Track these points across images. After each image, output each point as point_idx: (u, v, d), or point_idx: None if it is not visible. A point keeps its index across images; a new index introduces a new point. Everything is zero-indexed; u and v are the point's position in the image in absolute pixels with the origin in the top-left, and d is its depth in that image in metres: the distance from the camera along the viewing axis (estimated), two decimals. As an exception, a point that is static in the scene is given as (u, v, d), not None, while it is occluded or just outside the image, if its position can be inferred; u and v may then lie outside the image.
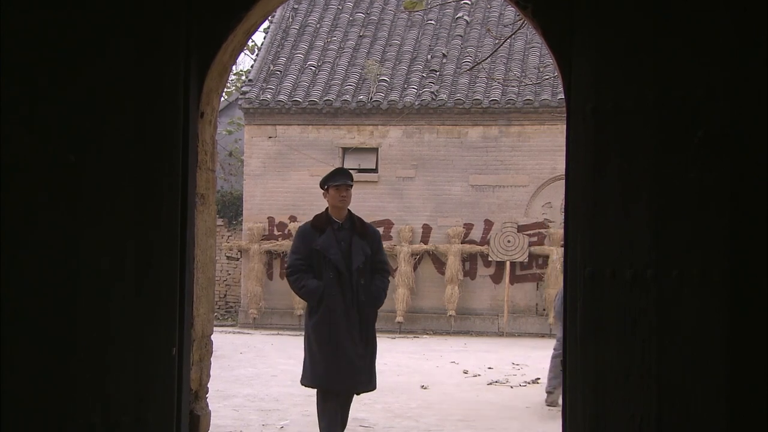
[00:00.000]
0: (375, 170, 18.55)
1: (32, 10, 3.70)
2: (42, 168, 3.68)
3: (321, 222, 6.91)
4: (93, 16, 3.72)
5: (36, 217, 3.68)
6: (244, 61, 32.64)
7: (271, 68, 19.64)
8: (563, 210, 3.87)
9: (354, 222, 6.94)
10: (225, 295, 20.94)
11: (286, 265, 6.91)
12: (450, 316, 18.25)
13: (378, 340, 7.06)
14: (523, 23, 10.64)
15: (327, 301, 6.68)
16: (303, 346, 6.92)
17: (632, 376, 3.47)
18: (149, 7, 3.78)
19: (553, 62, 4.07)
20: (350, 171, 7.18)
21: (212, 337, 4.60)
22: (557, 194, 17.61)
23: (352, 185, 6.95)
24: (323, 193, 7.00)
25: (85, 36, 3.71)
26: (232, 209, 21.14)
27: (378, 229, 7.17)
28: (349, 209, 6.96)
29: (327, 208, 6.97)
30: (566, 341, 3.75)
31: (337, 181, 6.86)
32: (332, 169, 7.09)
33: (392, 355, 13.28)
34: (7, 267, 3.62)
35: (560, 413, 3.89)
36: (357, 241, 6.83)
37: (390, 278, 7.04)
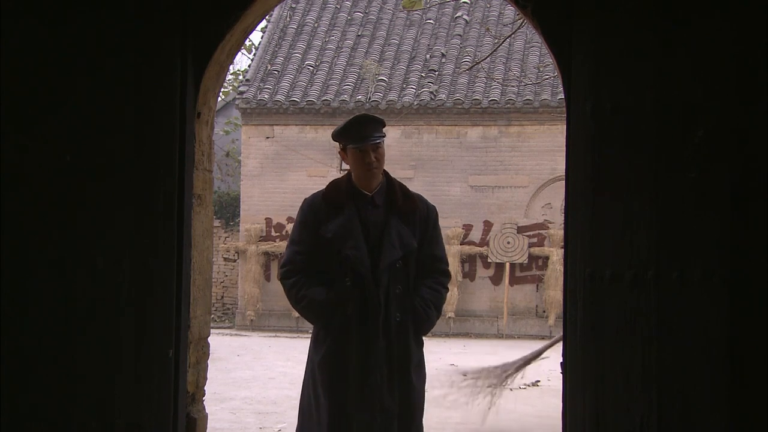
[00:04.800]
0: (373, 171, 18.54)
1: (33, 11, 3.69)
2: (38, 168, 3.66)
3: (339, 194, 4.43)
4: (91, 16, 3.70)
5: (32, 217, 3.66)
6: (242, 61, 32.67)
7: (269, 68, 19.62)
8: (563, 211, 3.83)
9: (394, 194, 4.45)
10: (222, 297, 20.91)
11: (280, 264, 4.52)
12: (449, 317, 18.23)
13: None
14: (522, 22, 10.62)
15: (339, 326, 4.30)
16: (302, 385, 4.52)
17: (633, 377, 3.45)
18: (146, 7, 3.76)
19: (553, 62, 4.04)
20: (377, 116, 4.53)
21: (209, 339, 4.57)
22: (557, 195, 17.59)
23: (381, 140, 4.41)
24: (338, 151, 4.55)
25: (83, 36, 3.69)
26: (229, 210, 21.13)
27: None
28: (386, 172, 4.52)
29: (349, 173, 4.50)
30: (566, 343, 3.72)
31: (358, 139, 4.37)
32: (350, 119, 4.47)
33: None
34: (2, 267, 3.60)
35: (560, 415, 3.87)
36: (396, 225, 4.36)
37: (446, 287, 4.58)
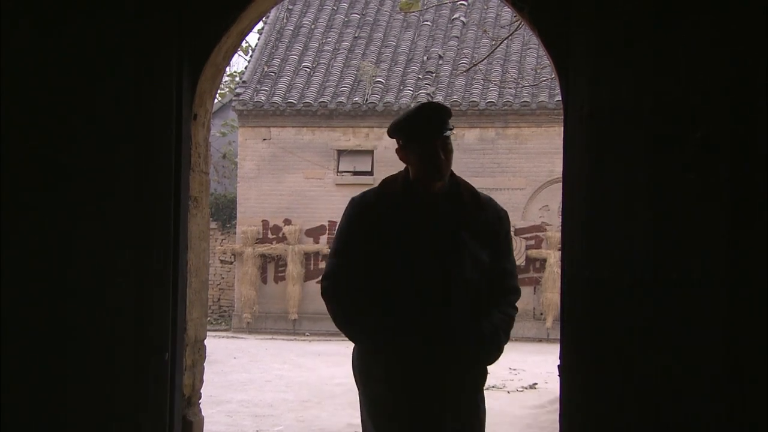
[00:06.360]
0: (371, 173, 18.51)
1: (33, 11, 3.68)
2: (36, 170, 3.65)
3: (394, 188, 3.74)
4: (91, 16, 3.69)
5: (29, 219, 3.65)
6: (238, 63, 32.64)
7: (266, 69, 19.61)
8: (561, 213, 3.80)
9: (461, 194, 3.75)
10: (218, 299, 20.87)
11: (322, 277, 3.78)
12: (446, 319, 18.19)
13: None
14: (519, 24, 10.61)
15: (396, 353, 3.58)
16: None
17: (631, 380, 3.44)
18: (143, 8, 3.75)
19: (551, 64, 4.03)
20: (443, 104, 3.82)
21: (205, 341, 4.56)
22: (555, 197, 17.58)
23: (451, 133, 3.71)
24: (396, 150, 3.77)
25: (83, 36, 3.67)
26: (225, 212, 21.09)
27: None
28: (452, 172, 3.77)
29: (406, 169, 3.76)
30: (563, 345, 3.71)
31: (426, 135, 3.66)
32: (416, 107, 3.74)
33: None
34: (1, 268, 3.59)
35: (557, 419, 3.85)
36: (468, 240, 3.67)
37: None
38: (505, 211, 3.86)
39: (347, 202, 3.78)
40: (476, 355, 3.65)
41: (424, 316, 3.56)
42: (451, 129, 3.69)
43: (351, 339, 3.73)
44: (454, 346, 3.58)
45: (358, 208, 3.72)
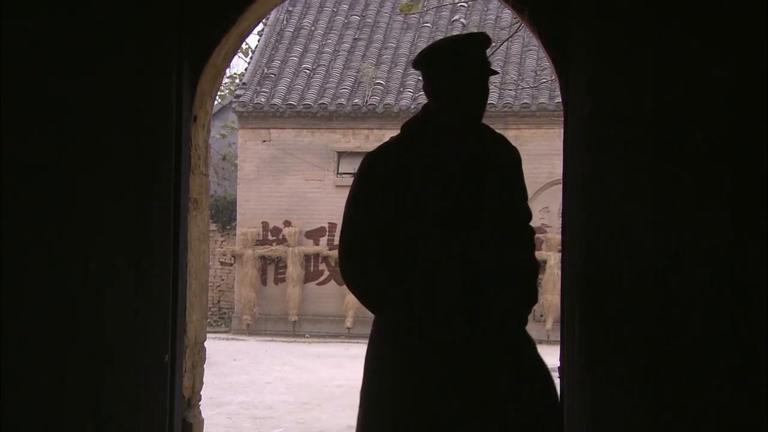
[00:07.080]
0: (370, 174, 18.51)
1: (33, 11, 3.68)
2: (36, 171, 3.65)
3: (415, 131, 3.26)
4: (88, 17, 3.69)
5: (28, 219, 3.64)
6: (238, 64, 32.65)
7: (265, 71, 19.62)
8: (560, 215, 3.80)
9: (484, 135, 3.34)
10: (218, 301, 20.86)
11: (340, 251, 3.26)
12: (446, 320, 18.17)
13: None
14: (520, 26, 10.60)
15: (435, 322, 3.15)
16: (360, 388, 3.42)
17: (632, 384, 3.43)
18: (142, 9, 3.75)
19: (550, 64, 4.03)
20: (488, 36, 3.34)
21: (205, 343, 4.56)
22: (555, 199, 17.57)
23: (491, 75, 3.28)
24: (424, 85, 3.29)
25: (83, 36, 3.67)
26: (225, 214, 21.09)
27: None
28: None
29: (425, 107, 3.30)
30: (564, 347, 3.71)
31: (474, 69, 3.21)
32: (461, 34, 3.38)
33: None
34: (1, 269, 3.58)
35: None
36: (493, 175, 3.28)
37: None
38: (518, 150, 3.54)
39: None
40: (508, 309, 3.29)
41: (454, 277, 3.15)
42: (486, 82, 3.28)
43: (388, 320, 3.25)
44: (486, 311, 3.19)
45: (369, 166, 3.24)
